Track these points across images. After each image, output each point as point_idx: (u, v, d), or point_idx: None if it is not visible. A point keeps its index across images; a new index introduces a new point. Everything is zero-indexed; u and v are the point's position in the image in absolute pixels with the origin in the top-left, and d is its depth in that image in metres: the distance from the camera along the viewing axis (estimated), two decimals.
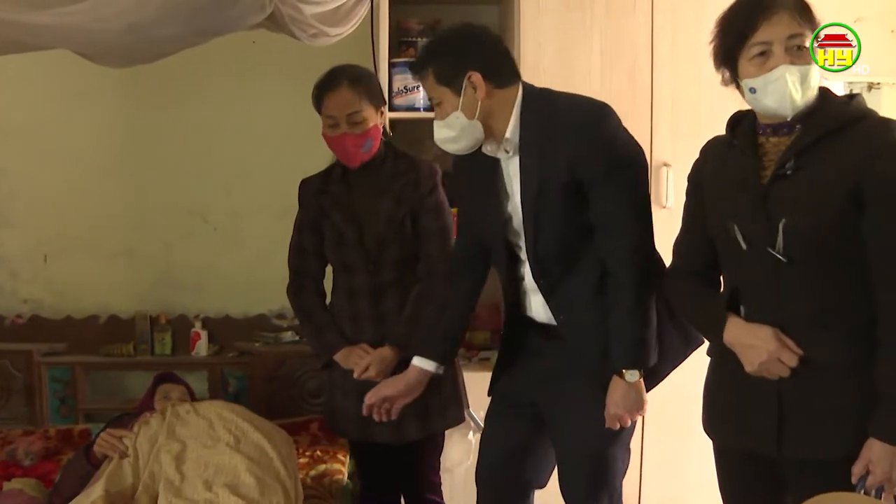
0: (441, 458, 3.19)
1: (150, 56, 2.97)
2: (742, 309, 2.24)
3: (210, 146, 4.14)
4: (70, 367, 4.00)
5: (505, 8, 3.77)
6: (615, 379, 2.44)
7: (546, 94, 2.51)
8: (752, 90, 2.11)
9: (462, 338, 2.85)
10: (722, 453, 2.39)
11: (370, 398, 2.73)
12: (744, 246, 2.18)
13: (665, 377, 2.60)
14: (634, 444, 3.60)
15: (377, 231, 2.90)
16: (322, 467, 3.36)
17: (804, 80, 2.06)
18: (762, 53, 2.08)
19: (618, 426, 2.47)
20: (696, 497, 3.61)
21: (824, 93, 2.13)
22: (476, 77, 2.40)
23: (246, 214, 4.19)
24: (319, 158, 3.13)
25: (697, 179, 2.37)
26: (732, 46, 2.13)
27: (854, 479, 2.04)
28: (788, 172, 2.09)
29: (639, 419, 3.54)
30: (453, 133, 2.45)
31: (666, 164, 3.53)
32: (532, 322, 2.63)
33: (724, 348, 2.26)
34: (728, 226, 2.21)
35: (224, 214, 4.20)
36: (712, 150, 2.34)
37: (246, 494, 2.59)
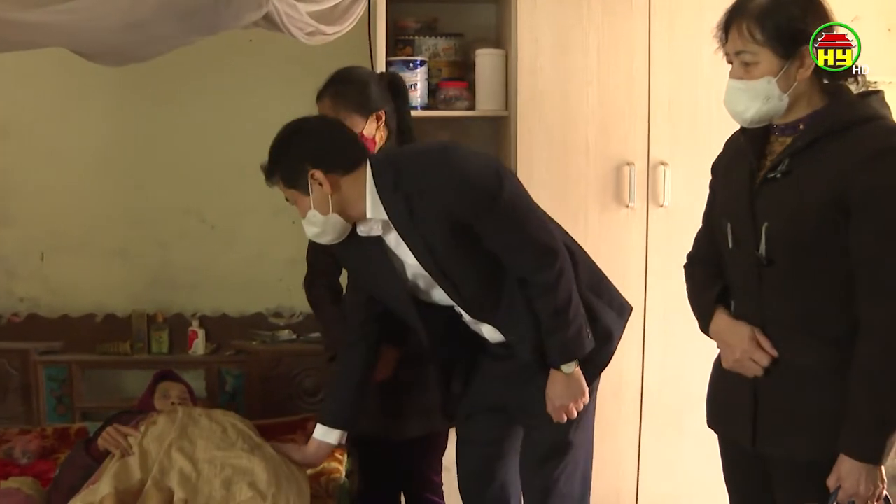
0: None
1: (146, 54, 2.97)
2: (732, 305, 2.26)
3: (206, 145, 4.14)
4: (67, 366, 4.00)
5: (501, 6, 3.77)
6: (553, 373, 2.48)
7: (391, 159, 2.49)
8: None
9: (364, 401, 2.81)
10: (723, 445, 2.40)
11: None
12: (730, 245, 2.20)
13: (614, 352, 2.62)
14: (632, 442, 3.64)
15: None
16: (319, 466, 3.36)
17: (742, 95, 2.10)
18: (730, 63, 2.14)
19: (564, 418, 2.50)
20: (691, 494, 3.63)
21: (837, 92, 2.11)
22: (318, 174, 2.39)
23: (242, 213, 4.18)
24: None
25: (715, 172, 2.39)
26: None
27: (831, 490, 2.04)
28: (778, 175, 2.10)
29: (637, 416, 3.56)
30: (317, 229, 2.46)
31: (663, 163, 3.52)
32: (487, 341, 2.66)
33: None
34: (723, 222, 2.23)
35: (220, 213, 4.20)
36: (732, 145, 2.35)
37: (263, 490, 2.61)
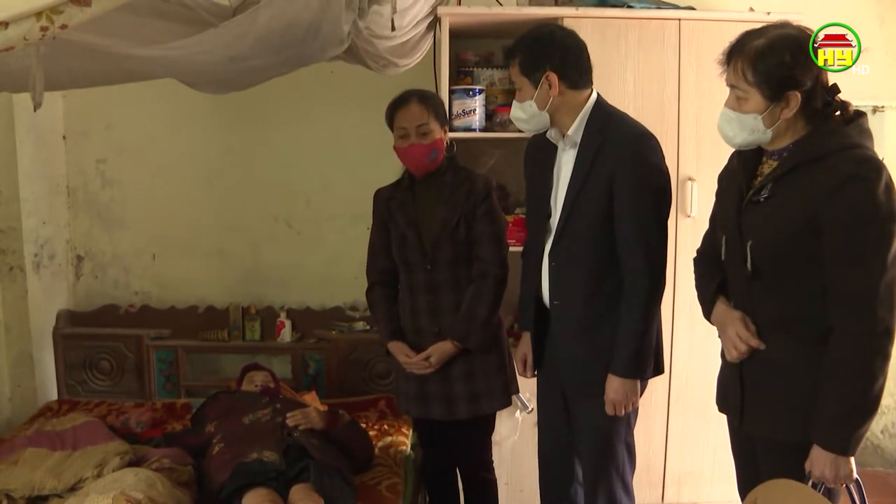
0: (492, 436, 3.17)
1: (244, 84, 3.01)
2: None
3: (293, 161, 4.16)
4: (173, 350, 4.07)
5: None
6: None
7: (611, 110, 2.55)
8: None
9: None
10: (729, 425, 2.40)
11: None
12: (724, 256, 2.22)
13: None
14: (661, 424, 3.60)
15: (433, 233, 2.88)
16: (388, 439, 3.39)
17: (732, 124, 2.10)
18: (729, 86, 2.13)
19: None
20: (713, 470, 3.62)
21: (819, 122, 2.05)
22: (553, 76, 2.45)
23: (323, 220, 4.20)
24: (385, 173, 3.14)
25: (720, 183, 2.38)
26: None
27: (807, 472, 2.05)
28: (762, 199, 2.08)
29: (665, 402, 3.51)
30: (524, 116, 2.53)
31: (690, 179, 3.50)
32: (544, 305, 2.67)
33: None
34: (718, 236, 2.25)
35: (304, 220, 4.22)
36: (732, 160, 2.34)
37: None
